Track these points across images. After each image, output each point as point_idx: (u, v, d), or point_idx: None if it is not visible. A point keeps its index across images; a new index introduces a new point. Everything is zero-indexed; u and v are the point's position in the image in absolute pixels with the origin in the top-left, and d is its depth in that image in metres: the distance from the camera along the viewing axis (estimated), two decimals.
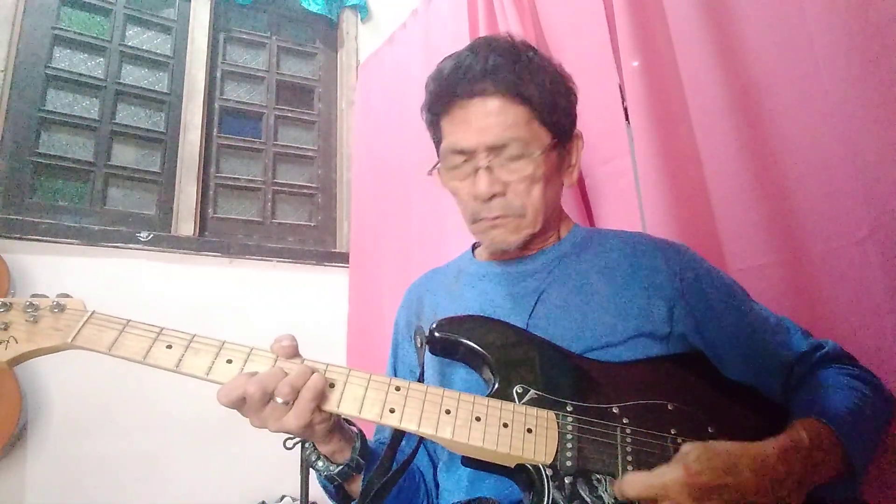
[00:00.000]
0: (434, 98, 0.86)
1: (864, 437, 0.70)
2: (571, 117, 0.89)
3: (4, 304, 0.68)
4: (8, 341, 0.66)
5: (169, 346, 0.68)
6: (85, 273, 1.89)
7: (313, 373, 0.67)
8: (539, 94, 0.81)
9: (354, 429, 0.78)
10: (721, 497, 0.58)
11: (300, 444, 0.76)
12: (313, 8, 2.55)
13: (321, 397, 0.66)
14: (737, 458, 0.60)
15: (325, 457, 0.75)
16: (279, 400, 0.64)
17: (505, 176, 0.82)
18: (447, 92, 0.84)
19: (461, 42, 1.63)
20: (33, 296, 0.70)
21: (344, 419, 0.78)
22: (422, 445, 0.89)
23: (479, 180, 0.82)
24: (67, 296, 0.71)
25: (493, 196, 0.82)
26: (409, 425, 0.67)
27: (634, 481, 0.61)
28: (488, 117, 0.80)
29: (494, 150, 0.81)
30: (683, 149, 1.15)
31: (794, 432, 0.66)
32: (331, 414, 0.69)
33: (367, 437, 0.80)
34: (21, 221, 1.85)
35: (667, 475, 0.59)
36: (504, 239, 0.85)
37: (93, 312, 0.70)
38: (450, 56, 0.86)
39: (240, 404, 0.66)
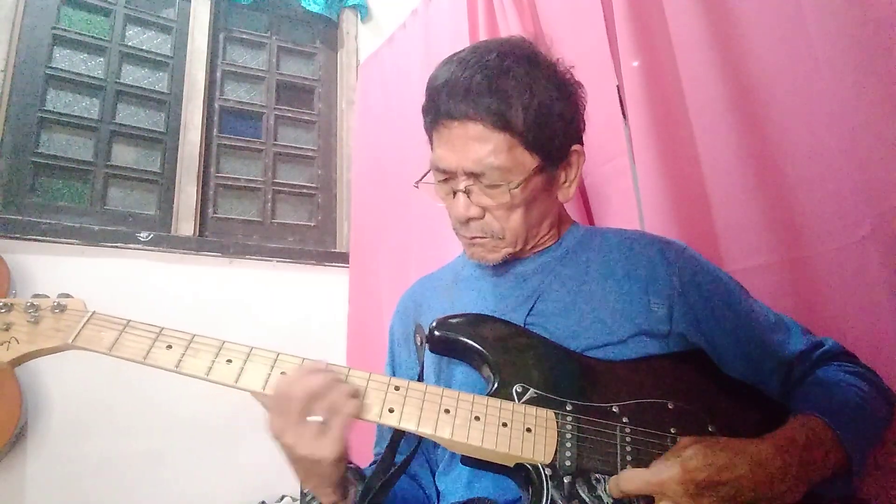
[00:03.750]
0: (424, 110, 0.86)
1: (861, 433, 0.70)
2: (568, 136, 0.84)
3: (6, 305, 0.68)
4: (9, 342, 0.67)
5: (169, 347, 0.69)
6: (85, 273, 1.89)
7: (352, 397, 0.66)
8: (524, 119, 0.77)
9: (353, 479, 0.75)
10: (718, 493, 0.59)
11: None
12: (313, 8, 2.55)
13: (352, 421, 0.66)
14: (733, 455, 0.60)
15: None
16: (319, 418, 0.63)
17: (483, 201, 0.81)
18: (433, 108, 0.82)
19: (461, 42, 1.64)
20: (34, 296, 0.70)
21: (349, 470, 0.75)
22: (421, 452, 0.89)
23: (457, 203, 0.82)
24: (68, 296, 0.71)
25: (470, 219, 0.82)
26: (408, 425, 0.67)
27: (632, 477, 0.61)
28: (468, 143, 0.78)
29: (472, 175, 0.79)
30: (683, 148, 1.15)
31: (791, 428, 0.66)
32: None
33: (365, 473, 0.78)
34: (21, 221, 1.85)
35: (664, 472, 0.60)
36: (482, 256, 0.86)
37: (93, 313, 0.70)
38: (447, 60, 0.83)
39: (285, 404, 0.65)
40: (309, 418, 0.64)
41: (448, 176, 0.83)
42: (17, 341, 0.67)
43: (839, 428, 0.67)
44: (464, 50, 0.84)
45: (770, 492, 0.60)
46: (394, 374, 0.98)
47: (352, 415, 0.65)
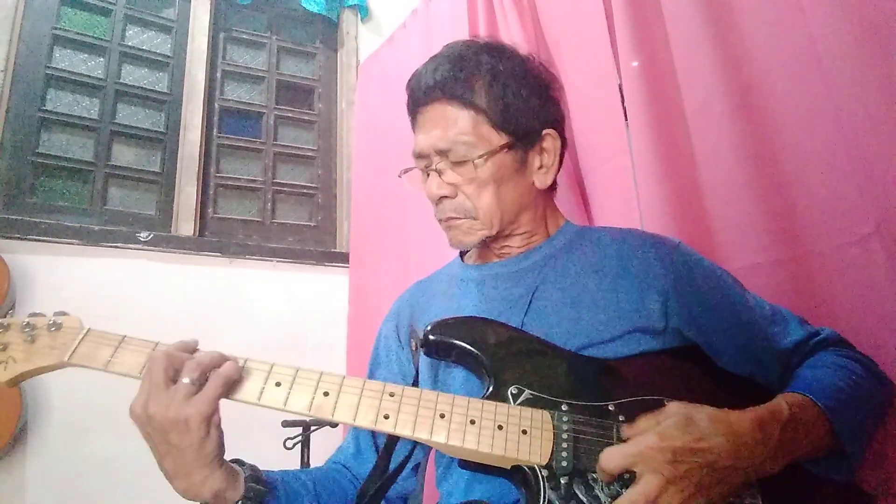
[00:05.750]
0: (406, 105, 0.91)
1: (852, 413, 0.70)
2: (537, 119, 0.87)
3: (2, 325, 0.69)
4: (7, 362, 0.68)
5: None
6: (85, 273, 1.89)
7: (227, 360, 0.66)
8: (487, 97, 0.83)
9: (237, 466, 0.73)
10: (695, 460, 0.59)
11: (300, 444, 0.75)
12: (313, 8, 2.54)
13: (231, 385, 0.66)
14: (711, 424, 0.62)
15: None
16: (185, 380, 0.63)
17: (453, 179, 0.85)
18: (410, 100, 0.89)
19: None
20: (31, 315, 0.71)
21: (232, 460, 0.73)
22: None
23: (429, 182, 0.86)
24: (64, 313, 0.72)
25: (442, 198, 0.86)
26: (404, 431, 0.67)
27: (612, 455, 0.62)
28: (436, 122, 0.84)
29: (441, 153, 0.84)
30: (682, 148, 1.14)
31: (776, 403, 0.67)
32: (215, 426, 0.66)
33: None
34: (21, 221, 1.85)
35: (641, 442, 0.61)
36: (459, 240, 0.88)
37: (88, 330, 0.71)
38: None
39: (144, 397, 0.63)
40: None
41: (424, 161, 0.87)
42: (15, 360, 0.68)
43: (826, 405, 0.68)
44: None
45: (748, 461, 0.62)
46: (371, 374, 0.99)
47: (230, 372, 0.65)
